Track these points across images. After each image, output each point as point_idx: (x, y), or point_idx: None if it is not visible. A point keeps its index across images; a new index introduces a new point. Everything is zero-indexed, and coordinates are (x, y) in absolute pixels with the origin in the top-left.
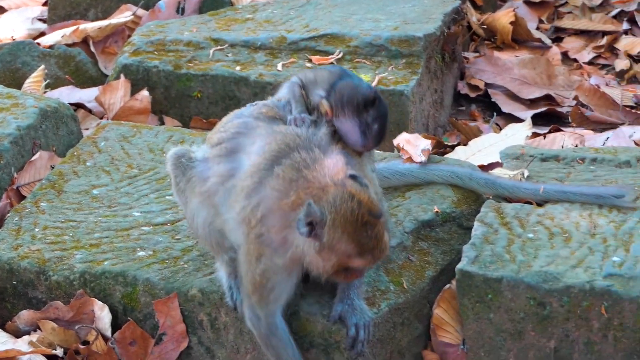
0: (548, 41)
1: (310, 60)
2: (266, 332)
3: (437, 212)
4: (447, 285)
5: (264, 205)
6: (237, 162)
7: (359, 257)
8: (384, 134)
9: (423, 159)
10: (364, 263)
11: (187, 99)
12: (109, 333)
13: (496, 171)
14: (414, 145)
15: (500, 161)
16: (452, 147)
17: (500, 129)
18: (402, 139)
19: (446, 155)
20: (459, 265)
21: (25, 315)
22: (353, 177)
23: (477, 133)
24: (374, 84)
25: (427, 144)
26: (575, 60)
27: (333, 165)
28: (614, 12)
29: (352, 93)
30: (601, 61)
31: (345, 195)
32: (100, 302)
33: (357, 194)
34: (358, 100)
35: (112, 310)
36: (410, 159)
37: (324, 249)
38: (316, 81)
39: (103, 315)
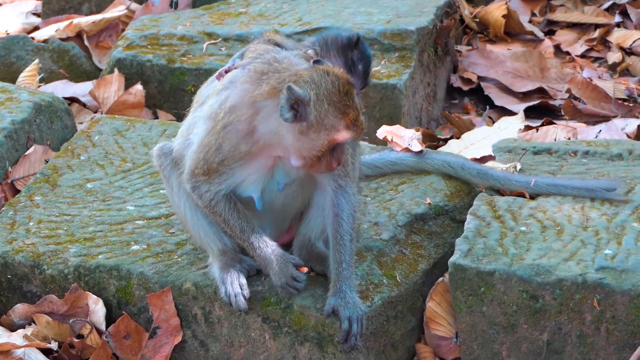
0: (540, 34)
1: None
2: (210, 202)
3: (429, 203)
4: (440, 279)
5: (233, 97)
6: (211, 87)
7: (346, 129)
8: (369, 75)
9: (421, 147)
10: (350, 135)
11: (180, 92)
12: (103, 327)
13: (489, 164)
14: (400, 136)
15: (492, 154)
16: (445, 141)
17: (493, 122)
18: (385, 132)
19: (439, 149)
20: (452, 259)
21: (19, 309)
22: (317, 62)
23: (470, 126)
24: None
25: (412, 132)
26: (567, 53)
27: (299, 60)
28: (606, 5)
29: (336, 35)
30: (593, 54)
31: (320, 71)
32: (95, 296)
33: (330, 69)
34: (342, 41)
35: (107, 304)
36: (407, 149)
37: (311, 127)
38: (301, 46)
39: (97, 309)
